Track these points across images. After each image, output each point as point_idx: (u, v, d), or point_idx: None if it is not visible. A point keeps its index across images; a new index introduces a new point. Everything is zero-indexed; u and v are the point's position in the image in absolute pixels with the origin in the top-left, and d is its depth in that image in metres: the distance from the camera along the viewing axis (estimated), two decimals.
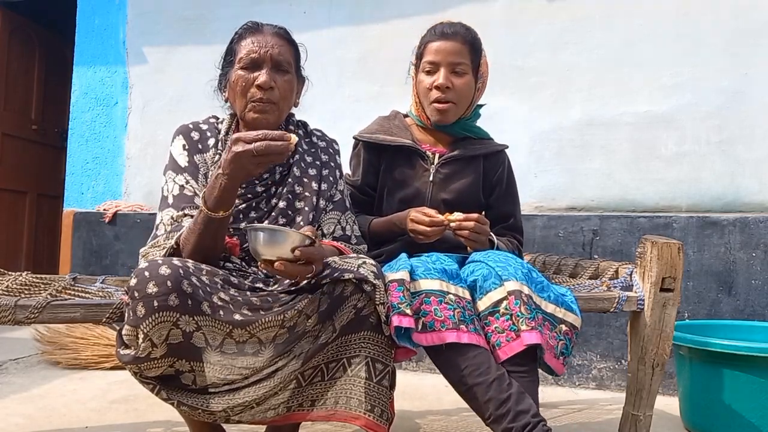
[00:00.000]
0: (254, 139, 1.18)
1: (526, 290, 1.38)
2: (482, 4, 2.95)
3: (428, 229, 1.54)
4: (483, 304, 1.40)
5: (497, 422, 1.28)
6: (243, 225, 1.42)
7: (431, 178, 1.72)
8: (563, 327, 1.44)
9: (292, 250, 1.15)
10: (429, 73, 1.69)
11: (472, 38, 1.70)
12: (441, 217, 1.55)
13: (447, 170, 1.73)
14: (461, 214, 1.55)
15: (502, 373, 1.32)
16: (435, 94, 1.67)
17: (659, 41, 2.71)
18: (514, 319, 1.35)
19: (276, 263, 1.16)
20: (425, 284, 1.37)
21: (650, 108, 2.71)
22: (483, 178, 1.77)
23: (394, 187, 1.74)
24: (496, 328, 1.37)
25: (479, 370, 1.31)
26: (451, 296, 1.37)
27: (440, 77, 1.66)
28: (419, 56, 1.74)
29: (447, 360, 1.35)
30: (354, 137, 1.81)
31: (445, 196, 1.72)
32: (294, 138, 1.20)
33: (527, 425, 1.26)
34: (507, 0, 2.92)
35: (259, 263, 1.22)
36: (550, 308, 1.43)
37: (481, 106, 1.81)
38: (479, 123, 1.84)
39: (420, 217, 1.55)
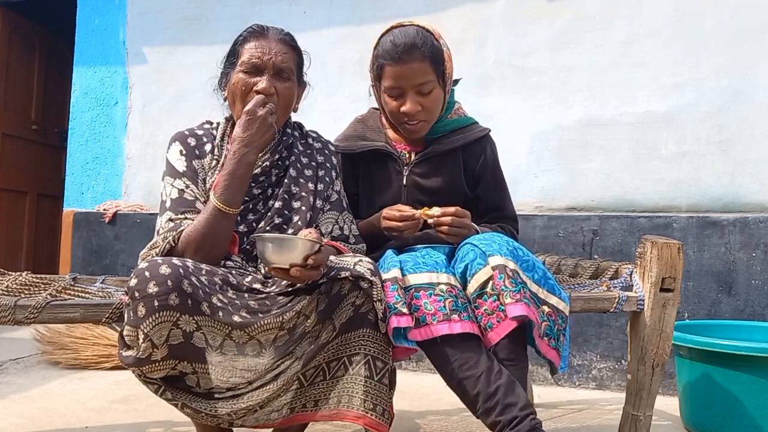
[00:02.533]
0: (263, 101, 1.36)
1: (511, 265, 1.35)
2: (482, 4, 2.95)
3: (400, 224, 1.50)
4: (471, 287, 1.38)
5: (486, 415, 1.28)
6: (241, 228, 1.43)
7: (404, 181, 1.68)
8: (545, 308, 1.39)
9: (305, 258, 1.17)
10: (394, 97, 1.60)
11: (430, 50, 1.57)
12: (412, 211, 1.51)
13: (421, 170, 1.68)
14: (438, 209, 1.51)
15: (490, 364, 1.30)
16: (405, 118, 1.61)
17: (659, 41, 2.71)
18: (501, 297, 1.32)
19: (291, 270, 1.17)
20: (414, 279, 1.37)
21: (650, 108, 2.71)
22: (464, 171, 1.70)
23: (372, 193, 1.72)
24: (485, 310, 1.35)
25: (468, 364, 1.30)
26: (441, 287, 1.35)
27: (407, 103, 1.58)
28: (377, 76, 1.63)
29: (437, 354, 1.33)
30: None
31: (421, 198, 1.67)
32: (263, 82, 1.43)
33: (514, 419, 1.24)
34: (507, 0, 2.92)
35: (267, 269, 1.23)
36: (533, 288, 1.39)
37: (456, 82, 1.71)
38: (469, 109, 1.79)
39: (392, 214, 1.52)
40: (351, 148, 1.71)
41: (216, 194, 1.32)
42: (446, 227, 1.49)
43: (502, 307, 1.32)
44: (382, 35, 1.63)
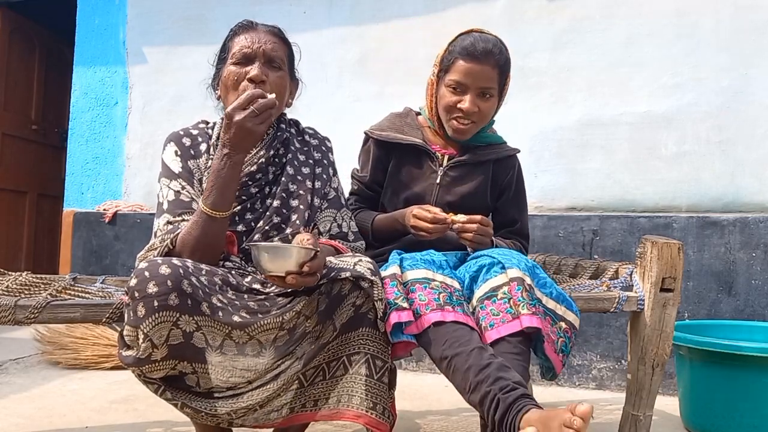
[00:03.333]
0: (247, 101, 1.26)
1: (528, 280, 1.37)
2: (482, 4, 2.95)
3: (430, 225, 1.52)
4: (481, 290, 1.39)
5: (476, 391, 1.19)
6: (240, 227, 1.42)
7: (438, 180, 1.71)
8: (563, 324, 1.43)
9: (300, 266, 1.17)
10: (455, 92, 1.63)
11: (504, 61, 1.64)
12: (444, 215, 1.53)
13: (455, 173, 1.72)
14: (464, 216, 1.54)
15: (484, 345, 1.27)
16: (458, 115, 1.64)
17: (659, 41, 2.71)
18: (512, 303, 1.34)
19: (288, 278, 1.17)
20: (411, 274, 1.38)
21: (650, 108, 2.71)
22: (492, 182, 1.75)
23: (400, 186, 1.73)
24: (491, 310, 1.35)
25: (460, 341, 1.27)
26: (436, 282, 1.36)
27: (467, 101, 1.61)
28: (445, 68, 1.65)
29: (430, 338, 1.31)
30: (365, 132, 1.79)
31: (450, 199, 1.70)
32: (272, 95, 1.30)
33: (506, 386, 1.16)
34: (507, 0, 2.92)
35: (263, 276, 1.23)
36: (551, 304, 1.42)
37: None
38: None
39: (423, 214, 1.54)
40: (388, 138, 1.73)
41: (203, 198, 1.30)
42: (471, 234, 1.52)
43: (511, 310, 1.34)
44: (461, 34, 1.67)
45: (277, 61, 1.45)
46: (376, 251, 1.69)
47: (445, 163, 1.72)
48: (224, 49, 1.50)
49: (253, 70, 1.41)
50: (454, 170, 1.72)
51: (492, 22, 2.92)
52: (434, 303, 1.33)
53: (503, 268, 1.39)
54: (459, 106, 1.62)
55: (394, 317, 1.28)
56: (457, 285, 1.40)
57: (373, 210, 1.76)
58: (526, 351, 1.35)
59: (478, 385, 1.19)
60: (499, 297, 1.36)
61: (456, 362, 1.25)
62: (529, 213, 2.73)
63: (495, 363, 1.22)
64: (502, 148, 1.78)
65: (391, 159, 1.75)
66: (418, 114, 1.82)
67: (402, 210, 1.64)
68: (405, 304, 1.30)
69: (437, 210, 1.55)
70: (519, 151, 1.81)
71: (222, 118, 1.53)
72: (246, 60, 1.43)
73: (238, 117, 1.26)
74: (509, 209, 1.79)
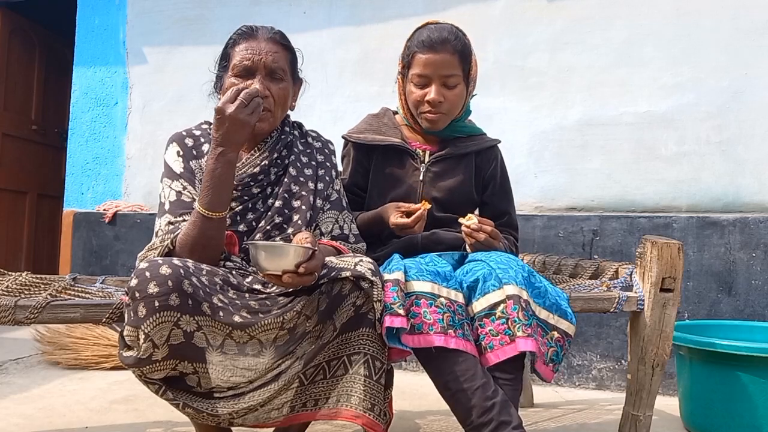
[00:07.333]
0: (235, 95, 1.29)
1: (524, 295, 1.37)
2: (482, 4, 2.95)
3: (414, 227, 1.52)
4: (480, 305, 1.40)
5: (477, 430, 1.29)
6: (241, 227, 1.43)
7: (421, 178, 1.71)
8: (555, 334, 1.43)
9: (297, 266, 1.17)
10: (419, 85, 1.65)
11: (461, 46, 1.64)
12: (418, 207, 1.53)
13: (437, 168, 1.72)
14: (476, 221, 1.53)
15: (487, 380, 1.32)
16: (426, 107, 1.65)
17: (659, 41, 2.71)
18: (510, 323, 1.35)
19: (284, 277, 1.17)
20: (417, 286, 1.37)
21: (650, 108, 2.71)
22: (475, 175, 1.76)
23: (384, 187, 1.73)
24: (490, 330, 1.37)
25: (465, 376, 1.31)
26: (442, 299, 1.36)
27: (432, 92, 1.62)
28: (407, 64, 1.67)
29: (434, 364, 1.35)
30: (343, 137, 1.79)
31: (436, 195, 1.71)
32: (256, 84, 1.39)
33: None
34: (507, 0, 2.92)
35: (260, 275, 1.23)
36: (543, 314, 1.43)
37: (472, 96, 1.78)
38: (472, 116, 1.83)
39: (400, 222, 1.52)
40: (366, 141, 1.73)
41: (199, 199, 1.30)
42: (475, 241, 1.52)
43: (509, 332, 1.35)
44: (417, 29, 1.69)
45: (279, 73, 1.45)
46: (377, 254, 1.69)
47: (426, 159, 1.73)
48: (225, 57, 1.49)
49: (255, 85, 1.40)
50: (437, 165, 1.72)
51: (492, 22, 2.93)
52: (438, 325, 1.33)
53: (500, 281, 1.39)
54: (426, 98, 1.64)
55: (387, 321, 1.28)
56: (461, 299, 1.40)
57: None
58: (520, 370, 1.41)
59: (481, 426, 1.29)
60: (497, 316, 1.37)
61: (460, 397, 1.31)
62: (529, 213, 2.77)
63: (497, 404, 1.29)
64: (483, 139, 1.79)
65: (372, 161, 1.75)
66: (396, 113, 1.82)
67: (382, 207, 1.63)
68: (401, 311, 1.30)
69: (407, 206, 1.55)
70: (500, 142, 1.81)
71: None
72: (247, 73, 1.43)
73: (230, 110, 1.27)
74: (498, 202, 1.79)
